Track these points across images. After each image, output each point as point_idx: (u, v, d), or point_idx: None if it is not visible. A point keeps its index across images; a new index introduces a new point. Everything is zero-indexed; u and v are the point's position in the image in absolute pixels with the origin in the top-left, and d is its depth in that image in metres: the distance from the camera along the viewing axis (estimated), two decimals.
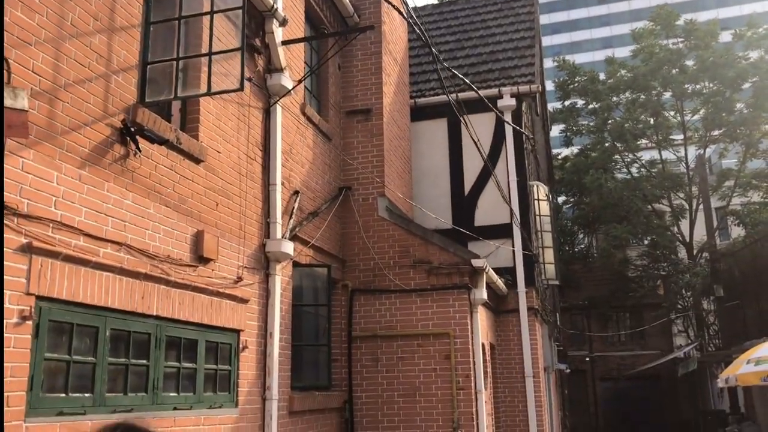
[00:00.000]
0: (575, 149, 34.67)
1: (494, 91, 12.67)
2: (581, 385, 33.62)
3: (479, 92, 9.28)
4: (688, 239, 29.06)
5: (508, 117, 12.34)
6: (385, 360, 9.26)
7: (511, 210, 11.91)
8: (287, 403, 7.31)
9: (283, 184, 7.60)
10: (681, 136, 30.54)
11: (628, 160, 31.63)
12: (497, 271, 11.69)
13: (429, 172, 12.85)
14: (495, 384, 11.71)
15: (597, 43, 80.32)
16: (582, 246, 38.52)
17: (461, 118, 10.38)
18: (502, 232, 12.23)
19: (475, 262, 9.27)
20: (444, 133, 13.05)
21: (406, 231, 9.64)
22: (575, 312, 34.00)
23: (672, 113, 30.23)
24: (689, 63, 28.87)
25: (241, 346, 6.45)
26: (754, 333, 19.83)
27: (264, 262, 7.07)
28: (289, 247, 7.22)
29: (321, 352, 8.69)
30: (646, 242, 32.74)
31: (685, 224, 29.62)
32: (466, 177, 12.83)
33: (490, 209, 12.59)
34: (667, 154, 31.39)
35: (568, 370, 21.37)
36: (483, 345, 10.18)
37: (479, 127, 12.01)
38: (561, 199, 37.69)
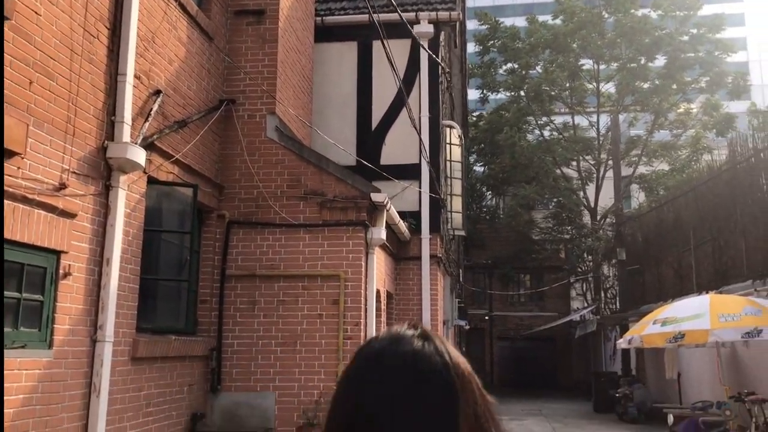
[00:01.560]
0: (491, 108, 34.12)
1: (411, 15, 11.35)
2: (479, 343, 33.69)
3: (395, 12, 7.97)
4: (593, 204, 29.22)
5: (424, 45, 11.08)
6: (263, 303, 7.98)
7: (422, 147, 10.76)
8: (130, 347, 5.92)
9: (138, 78, 6.06)
10: (595, 102, 30.45)
11: (542, 122, 31.30)
12: (401, 215, 10.59)
13: (334, 100, 11.49)
14: None
15: (519, 9, 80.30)
16: (490, 204, 38.37)
17: (381, 41, 9.06)
18: (409, 173, 11.08)
19: (375, 197, 8.06)
20: (353, 58, 11.68)
21: (297, 157, 8.29)
22: (478, 271, 33.87)
23: (588, 79, 30.05)
24: (608, 28, 28.62)
25: (61, 272, 4.98)
26: (651, 297, 19.86)
27: (104, 171, 5.56)
28: (139, 155, 5.73)
29: (184, 290, 7.29)
30: (551, 206, 32.87)
31: (591, 190, 29.76)
32: (374, 110, 11.57)
33: (398, 147, 11.41)
34: (580, 120, 31.32)
35: (467, 327, 20.81)
36: (378, 292, 9.07)
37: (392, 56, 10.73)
38: (472, 158, 37.30)
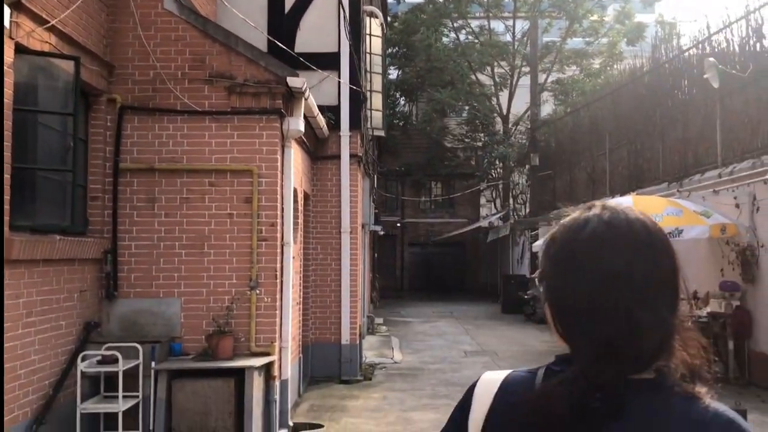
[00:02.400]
0: (405, 8, 32.82)
1: None
2: (390, 250, 33.80)
3: None
4: (505, 112, 29.11)
5: None
6: (164, 201, 7.06)
7: (343, 29, 9.79)
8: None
9: None
10: (511, 7, 29.76)
11: (458, 24, 30.42)
12: (321, 110, 9.73)
13: None
14: (306, 239, 10.03)
15: None
16: (403, 110, 37.67)
17: None
18: (327, 62, 10.11)
19: (293, 82, 7.15)
20: None
21: (201, 33, 7.19)
22: (390, 178, 33.49)
23: None
24: None
25: None
26: (562, 201, 20.09)
27: None
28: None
29: (69, 183, 6.25)
30: (465, 114, 32.58)
31: (504, 98, 29.55)
32: None
33: (314, 34, 10.37)
34: (496, 24, 30.67)
35: (382, 232, 20.47)
36: (296, 191, 8.30)
37: None
38: (389, 63, 36.15)
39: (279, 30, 10.32)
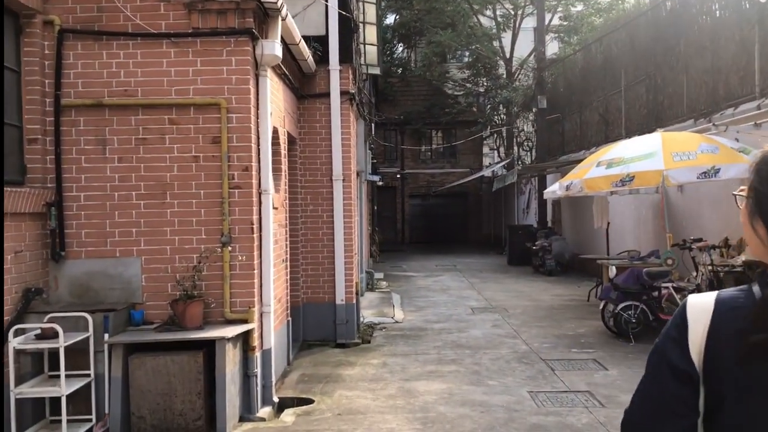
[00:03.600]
0: None
1: None
2: (391, 202, 32.75)
3: None
4: (509, 55, 27.63)
5: None
6: (117, 143, 5.93)
7: None
8: None
9: None
10: None
11: None
12: (307, 41, 8.52)
13: None
14: (293, 188, 8.92)
15: None
16: (401, 57, 36.09)
17: None
18: None
19: None
20: None
21: None
22: (389, 127, 32.22)
23: None
24: None
25: None
26: (572, 146, 18.91)
27: None
28: None
29: None
30: (466, 58, 31.08)
31: (506, 41, 28.02)
32: None
33: None
34: None
35: (381, 183, 19.35)
36: (276, 131, 7.16)
37: None
38: (382, 4, 34.46)
39: None
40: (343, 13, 8.97)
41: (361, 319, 10.23)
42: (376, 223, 27.75)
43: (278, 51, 6.17)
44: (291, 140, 8.78)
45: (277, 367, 6.96)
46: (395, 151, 32.66)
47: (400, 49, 36.43)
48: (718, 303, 1.29)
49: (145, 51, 5.92)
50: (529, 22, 26.91)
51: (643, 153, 8.67)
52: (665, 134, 9.17)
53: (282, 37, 7.03)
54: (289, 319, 7.85)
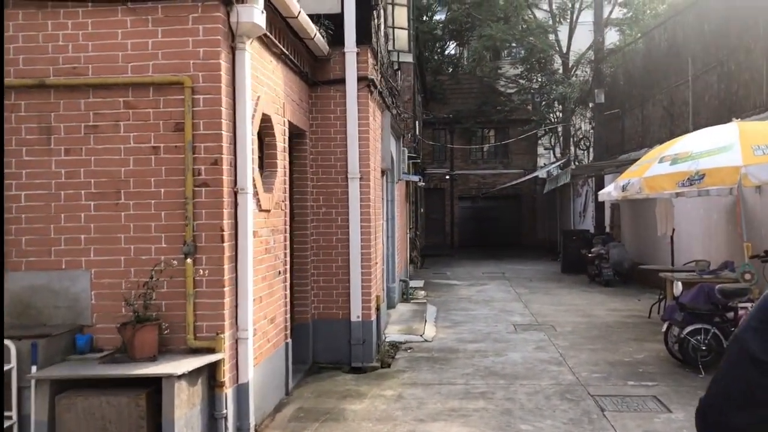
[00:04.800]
0: None
1: None
2: (439, 204, 31.46)
3: None
4: (565, 50, 25.95)
5: None
6: (64, 132, 4.91)
7: None
8: None
9: None
10: None
11: None
12: (317, 20, 7.46)
13: None
14: (302, 187, 7.81)
15: None
16: (452, 55, 34.74)
17: None
18: None
19: None
20: None
21: None
22: (438, 127, 30.97)
23: None
24: None
25: None
26: (633, 144, 17.25)
27: None
28: None
29: None
30: (520, 53, 29.51)
31: (563, 34, 26.37)
32: None
33: None
34: None
35: (422, 184, 18.12)
36: (269, 118, 6.05)
37: None
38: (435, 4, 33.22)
39: None
40: None
41: (384, 337, 9.03)
42: (422, 226, 26.52)
43: (259, 19, 5.03)
44: (298, 133, 7.67)
45: (265, 403, 5.83)
46: (444, 151, 31.31)
47: (452, 46, 35.17)
48: None
49: (97, 20, 4.89)
50: (588, 17, 25.16)
51: (716, 146, 7.20)
52: (743, 124, 7.66)
53: (276, 9, 5.93)
54: (288, 341, 6.71)
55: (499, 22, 26.26)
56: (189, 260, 4.78)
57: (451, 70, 33.24)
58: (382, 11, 9.46)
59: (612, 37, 24.25)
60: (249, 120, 5.17)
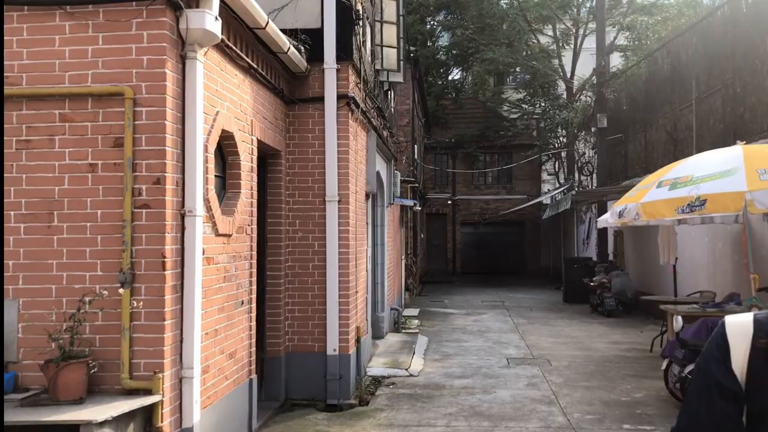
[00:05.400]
0: None
1: None
2: (441, 230, 30.94)
3: None
4: (569, 75, 25.58)
5: None
6: None
7: None
8: None
9: None
10: None
11: None
12: (295, 35, 7.08)
13: None
14: (276, 210, 7.34)
15: None
16: (455, 80, 34.45)
17: None
18: None
19: None
20: None
21: None
22: (441, 151, 30.57)
23: None
24: None
25: None
26: (636, 170, 16.74)
27: None
28: None
29: None
30: (523, 77, 29.18)
31: (567, 59, 26.04)
32: None
33: None
34: None
35: (417, 208, 17.64)
36: (231, 136, 5.60)
37: None
38: (436, 25, 33.04)
39: None
40: (342, 1, 7.39)
41: (365, 372, 8.47)
42: (423, 252, 25.97)
43: (212, 26, 4.59)
44: (273, 153, 7.23)
45: None
46: (446, 176, 30.88)
47: (456, 72, 34.92)
48: (757, 322, 1.42)
49: (33, 25, 4.46)
50: (592, 42, 24.89)
51: (718, 170, 6.70)
52: (748, 147, 7.16)
53: (241, 18, 5.51)
54: (253, 377, 6.18)
55: (502, 46, 25.97)
56: (125, 290, 4.28)
57: (453, 94, 32.94)
58: (368, 28, 9.05)
59: (616, 62, 23.88)
60: (200, 136, 4.71)
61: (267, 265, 7.30)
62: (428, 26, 32.35)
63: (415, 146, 20.61)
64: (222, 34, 5.24)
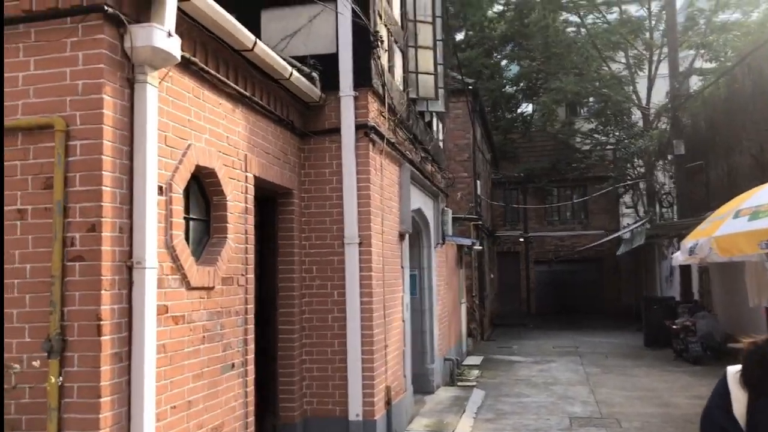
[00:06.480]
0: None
1: None
2: (514, 268, 29.50)
3: None
4: (645, 103, 23.97)
5: None
6: None
7: None
8: None
9: None
10: None
11: (582, 3, 25.66)
12: (307, 61, 6.41)
13: None
14: (288, 256, 6.55)
15: None
16: (524, 113, 33.27)
17: None
18: None
19: None
20: None
21: None
22: (510, 186, 29.37)
23: None
24: None
25: None
26: (719, 199, 15.03)
27: None
28: None
29: None
30: (594, 104, 27.74)
31: (642, 86, 24.50)
32: None
33: None
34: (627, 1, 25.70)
35: (478, 247, 16.54)
36: (213, 173, 4.87)
37: None
38: (502, 60, 32.18)
39: None
40: (358, 21, 6.65)
41: None
42: (493, 293, 24.65)
43: (163, 43, 3.87)
44: (283, 192, 6.48)
45: None
46: (517, 212, 29.55)
47: (525, 105, 33.78)
48: None
49: None
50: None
51: None
52: None
53: (219, 38, 4.82)
54: None
55: (570, 75, 24.75)
56: (53, 361, 3.54)
57: (522, 127, 31.77)
58: (398, 53, 8.28)
59: (695, 84, 22.22)
60: (153, 173, 3.96)
61: (279, 318, 6.49)
62: (493, 60, 31.53)
63: (478, 182, 19.56)
64: (196, 56, 4.57)
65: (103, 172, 3.66)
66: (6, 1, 3.84)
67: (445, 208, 11.47)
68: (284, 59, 5.96)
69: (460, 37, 31.83)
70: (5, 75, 3.81)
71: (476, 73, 28.35)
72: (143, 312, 3.82)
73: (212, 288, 4.78)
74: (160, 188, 4.14)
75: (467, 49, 29.63)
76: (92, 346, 3.58)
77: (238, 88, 5.26)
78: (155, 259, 3.94)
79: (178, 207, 4.35)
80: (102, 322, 3.59)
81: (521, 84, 31.51)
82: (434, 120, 11.09)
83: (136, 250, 3.84)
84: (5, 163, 3.77)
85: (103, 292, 3.61)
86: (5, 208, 3.75)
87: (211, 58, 4.87)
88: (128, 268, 3.82)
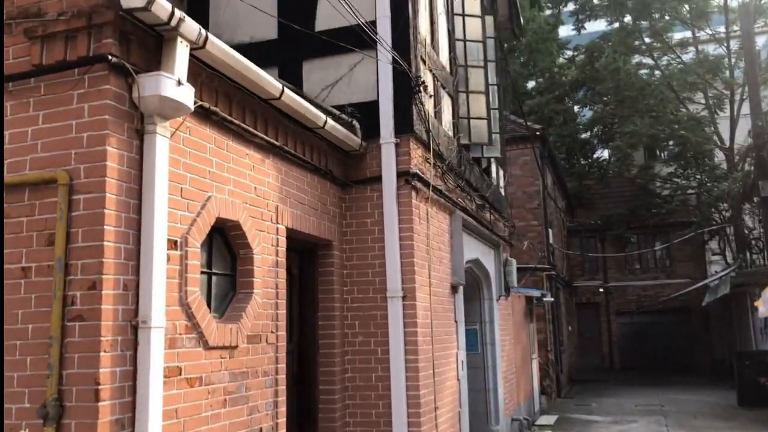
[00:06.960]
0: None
1: None
2: (594, 320, 28.16)
3: None
4: (727, 143, 22.73)
5: None
6: None
7: None
8: None
9: None
10: (720, 21, 23.77)
11: (654, 42, 24.90)
12: (345, 109, 6.26)
13: None
14: (330, 313, 6.24)
15: None
16: (600, 158, 32.25)
17: None
18: (361, 40, 6.50)
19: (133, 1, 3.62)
20: None
21: None
22: (586, 234, 28.24)
23: None
24: None
25: None
26: None
27: None
28: None
29: None
30: (672, 146, 26.55)
31: (724, 127, 23.31)
32: None
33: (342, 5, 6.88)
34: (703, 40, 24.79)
35: (549, 299, 15.74)
36: (238, 226, 4.67)
37: None
38: (576, 107, 31.48)
39: (291, 3, 7.07)
40: (398, 66, 6.44)
41: None
42: (571, 347, 23.48)
43: (172, 92, 3.73)
44: (323, 243, 6.22)
45: None
46: (596, 262, 28.32)
47: (600, 150, 32.79)
48: None
49: None
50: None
51: None
52: None
53: (242, 86, 4.68)
54: None
55: (645, 117, 23.86)
56: (48, 428, 3.33)
57: (597, 173, 30.74)
58: (446, 98, 8.01)
59: None
60: (162, 226, 3.78)
61: (319, 378, 6.15)
62: (564, 105, 30.89)
63: (550, 230, 18.85)
64: (218, 105, 4.43)
65: (105, 227, 3.49)
66: (17, 56, 3.81)
67: (509, 258, 10.94)
68: (319, 107, 5.80)
69: (531, 84, 31.50)
70: (15, 129, 3.75)
71: (548, 119, 27.79)
72: (148, 374, 3.58)
73: (236, 347, 4.51)
74: (174, 242, 3.95)
75: (537, 95, 29.21)
76: (90, 412, 3.35)
77: (267, 137, 5.09)
78: (163, 317, 3.71)
79: (195, 262, 4.14)
80: (100, 387, 3.36)
81: (595, 129, 30.66)
82: (493, 166, 10.70)
83: (142, 309, 3.63)
84: (11, 220, 3.67)
85: (102, 353, 3.40)
86: (10, 266, 3.63)
87: (237, 108, 4.73)
88: (133, 327, 3.60)
